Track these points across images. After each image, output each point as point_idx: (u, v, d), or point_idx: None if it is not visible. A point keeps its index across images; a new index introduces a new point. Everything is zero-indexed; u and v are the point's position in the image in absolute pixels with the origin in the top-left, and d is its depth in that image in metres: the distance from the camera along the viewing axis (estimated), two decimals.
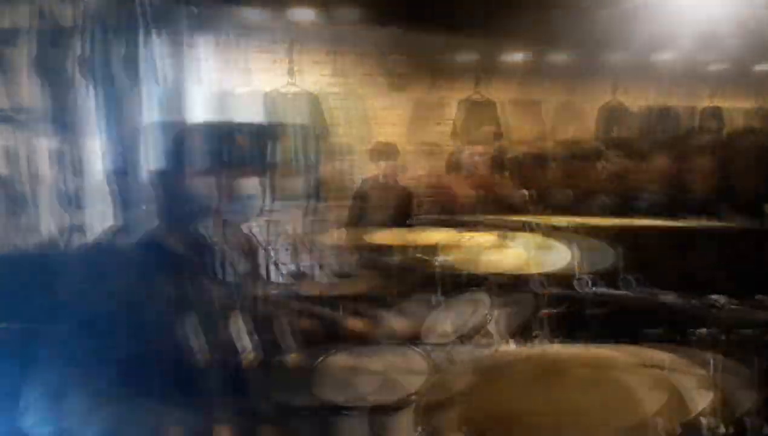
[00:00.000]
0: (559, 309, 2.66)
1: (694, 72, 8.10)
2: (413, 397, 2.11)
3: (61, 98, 2.04)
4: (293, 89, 5.57)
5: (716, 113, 9.35)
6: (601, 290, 1.52)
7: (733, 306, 1.24)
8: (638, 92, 8.55)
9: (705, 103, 9.46)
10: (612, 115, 8.19)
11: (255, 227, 3.49)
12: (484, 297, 2.54)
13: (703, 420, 1.27)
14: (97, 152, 2.43)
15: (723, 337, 1.25)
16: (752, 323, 1.28)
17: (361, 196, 4.94)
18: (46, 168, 1.79)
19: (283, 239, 5.75)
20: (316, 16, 5.37)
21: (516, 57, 6.88)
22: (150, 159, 4.19)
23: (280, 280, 4.81)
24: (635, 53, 7.16)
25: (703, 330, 1.27)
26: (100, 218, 2.50)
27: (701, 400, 1.11)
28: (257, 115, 5.43)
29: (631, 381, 1.23)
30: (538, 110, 7.64)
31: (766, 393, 2.84)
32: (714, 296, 1.25)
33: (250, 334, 2.07)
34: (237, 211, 1.86)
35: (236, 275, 2.07)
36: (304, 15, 5.27)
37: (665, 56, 7.46)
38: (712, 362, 1.25)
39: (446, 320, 2.59)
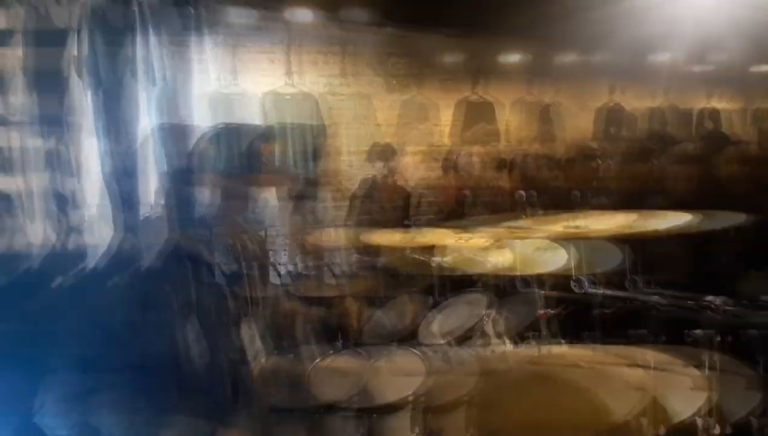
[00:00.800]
0: (556, 310, 2.66)
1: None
2: (411, 398, 2.11)
3: (57, 99, 2.02)
4: (291, 90, 5.56)
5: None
6: (598, 290, 1.51)
7: (728, 307, 1.23)
8: (635, 94, 8.58)
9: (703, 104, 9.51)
10: (609, 116, 8.20)
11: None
12: (481, 298, 2.54)
13: (699, 420, 1.26)
14: (95, 153, 2.41)
15: (718, 338, 1.24)
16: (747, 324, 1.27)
17: (359, 197, 4.93)
18: (42, 169, 1.77)
19: (282, 240, 5.75)
20: (314, 17, 5.36)
21: (514, 58, 6.86)
22: (154, 162, 4.20)
23: (279, 281, 4.82)
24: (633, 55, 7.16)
25: (699, 331, 1.26)
26: (98, 220, 2.49)
27: (697, 400, 1.11)
28: (255, 117, 5.41)
29: (627, 381, 1.23)
30: (535, 111, 7.64)
31: (762, 394, 2.84)
32: (709, 297, 1.24)
33: (260, 336, 2.07)
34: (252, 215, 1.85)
35: (248, 278, 2.06)
36: (302, 16, 5.25)
37: (662, 58, 7.45)
38: (707, 362, 1.24)
39: (443, 320, 2.58)
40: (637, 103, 8.56)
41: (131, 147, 2.54)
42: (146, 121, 4.25)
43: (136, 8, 3.76)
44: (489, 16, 5.81)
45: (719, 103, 9.59)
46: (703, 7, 5.01)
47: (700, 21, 5.36)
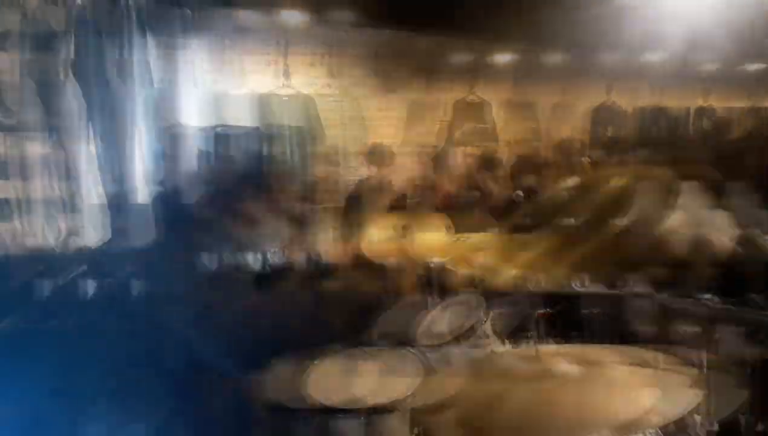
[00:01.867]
0: (553, 309, 2.65)
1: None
2: (409, 399, 2.11)
3: (53, 102, 2.01)
4: (288, 91, 5.55)
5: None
6: (594, 289, 1.50)
7: (720, 305, 1.23)
8: (631, 93, 8.57)
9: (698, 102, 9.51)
10: (606, 115, 8.18)
11: None
12: (478, 298, 2.53)
13: (696, 418, 1.26)
14: (90, 156, 2.41)
15: (716, 334, 1.23)
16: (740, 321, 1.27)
17: (355, 198, 4.93)
18: (38, 172, 1.76)
19: (278, 241, 5.73)
20: (310, 18, 5.35)
21: (511, 58, 6.86)
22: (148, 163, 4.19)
23: (277, 281, 4.80)
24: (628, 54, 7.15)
25: (695, 328, 1.26)
26: (94, 221, 2.47)
27: (693, 398, 1.10)
28: (252, 118, 5.41)
29: (623, 380, 1.22)
30: (532, 111, 7.64)
31: (754, 390, 2.85)
32: (706, 295, 1.24)
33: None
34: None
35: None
36: (298, 17, 5.25)
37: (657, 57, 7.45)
38: (704, 360, 1.24)
39: (441, 321, 2.57)
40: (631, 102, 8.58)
41: (126, 149, 2.53)
42: (142, 123, 4.25)
43: (132, 11, 3.76)
44: (485, 18, 5.81)
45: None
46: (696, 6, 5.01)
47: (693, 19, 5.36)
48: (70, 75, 2.21)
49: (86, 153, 2.42)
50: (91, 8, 2.38)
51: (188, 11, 4.78)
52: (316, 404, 2.15)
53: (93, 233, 2.36)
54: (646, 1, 4.76)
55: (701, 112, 9.37)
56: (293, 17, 5.25)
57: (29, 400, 1.40)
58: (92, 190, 2.46)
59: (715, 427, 1.28)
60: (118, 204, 2.41)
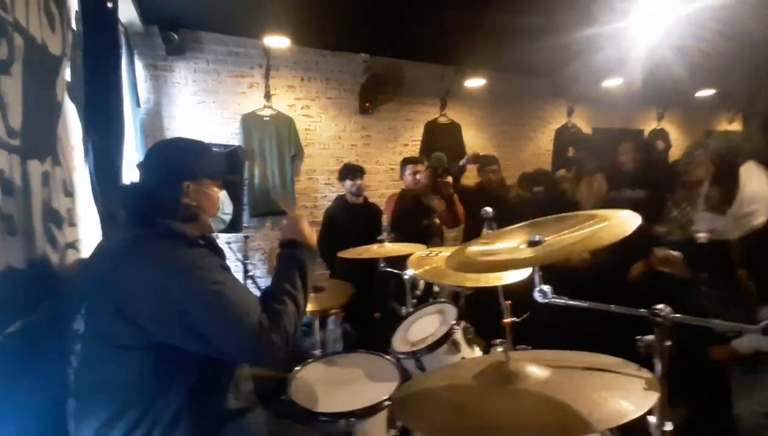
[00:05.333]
0: (520, 318, 2.70)
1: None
2: (385, 403, 2.13)
3: (52, 122, 2.02)
4: (269, 112, 5.58)
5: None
6: (560, 299, 1.55)
7: (675, 315, 1.29)
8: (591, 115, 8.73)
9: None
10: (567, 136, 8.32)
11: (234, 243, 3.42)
12: (450, 308, 2.57)
13: (651, 419, 1.31)
14: (86, 173, 2.42)
15: (667, 342, 1.29)
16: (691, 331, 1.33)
17: (332, 214, 4.94)
18: (38, 189, 1.77)
19: (260, 254, 5.73)
20: (290, 43, 5.39)
21: (479, 82, 6.94)
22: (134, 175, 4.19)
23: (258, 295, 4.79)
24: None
25: (650, 337, 1.32)
26: (90, 234, 2.48)
27: (649, 400, 1.15)
28: (236, 137, 5.41)
29: (587, 384, 1.26)
30: (498, 132, 7.74)
31: (704, 394, 2.92)
32: (659, 306, 1.30)
33: None
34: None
35: None
36: (279, 42, 5.29)
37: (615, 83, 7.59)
38: (658, 365, 1.29)
39: (415, 329, 2.61)
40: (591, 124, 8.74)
41: (118, 166, 2.55)
42: (132, 140, 4.25)
43: (123, 36, 3.78)
44: (457, 44, 5.90)
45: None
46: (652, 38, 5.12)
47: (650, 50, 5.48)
48: (67, 97, 2.23)
49: (83, 170, 2.43)
50: (86, 34, 2.40)
51: (175, 36, 4.79)
52: (297, 408, 2.17)
53: (90, 246, 2.37)
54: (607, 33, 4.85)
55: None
56: (274, 42, 5.28)
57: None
58: (89, 206, 2.47)
59: (669, 426, 1.33)
60: (112, 218, 2.42)
